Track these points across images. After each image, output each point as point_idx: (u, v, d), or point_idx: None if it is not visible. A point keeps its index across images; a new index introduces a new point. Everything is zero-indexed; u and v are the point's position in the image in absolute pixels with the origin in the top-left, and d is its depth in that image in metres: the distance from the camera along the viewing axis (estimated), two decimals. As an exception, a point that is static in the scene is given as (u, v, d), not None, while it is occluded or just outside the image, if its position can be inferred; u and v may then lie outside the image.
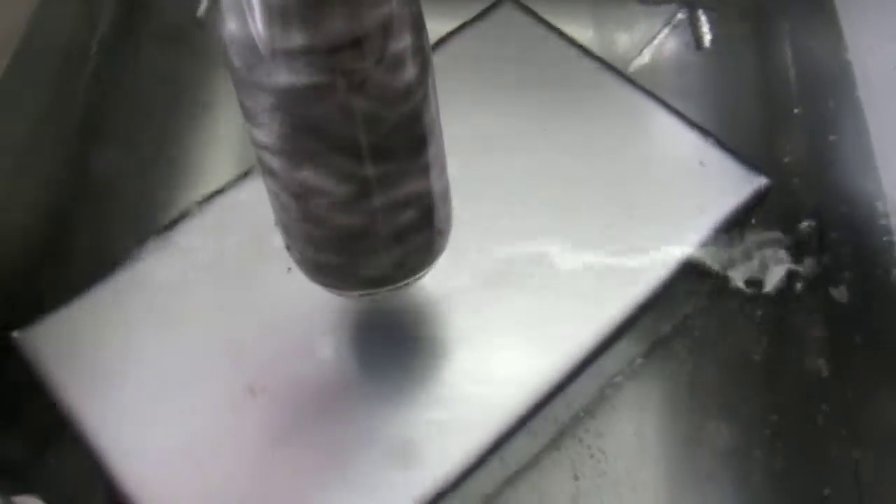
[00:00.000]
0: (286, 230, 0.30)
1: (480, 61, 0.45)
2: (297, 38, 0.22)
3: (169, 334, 0.37)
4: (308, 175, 0.26)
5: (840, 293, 0.41)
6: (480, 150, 0.41)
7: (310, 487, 0.34)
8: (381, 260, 0.30)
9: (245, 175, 0.42)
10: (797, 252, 0.43)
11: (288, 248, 0.32)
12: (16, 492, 0.32)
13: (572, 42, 0.47)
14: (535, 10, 0.48)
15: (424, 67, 0.25)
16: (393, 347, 0.38)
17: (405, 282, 0.32)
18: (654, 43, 0.52)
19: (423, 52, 0.25)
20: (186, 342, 0.37)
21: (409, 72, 0.24)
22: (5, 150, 0.44)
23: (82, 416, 0.35)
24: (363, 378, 0.37)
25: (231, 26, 0.23)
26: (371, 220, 0.28)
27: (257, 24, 0.22)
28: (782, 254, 0.42)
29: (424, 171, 0.28)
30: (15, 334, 0.37)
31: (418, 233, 0.30)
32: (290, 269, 0.33)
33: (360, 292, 0.32)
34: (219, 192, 0.42)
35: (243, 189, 0.42)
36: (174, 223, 0.41)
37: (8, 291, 0.41)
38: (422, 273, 0.32)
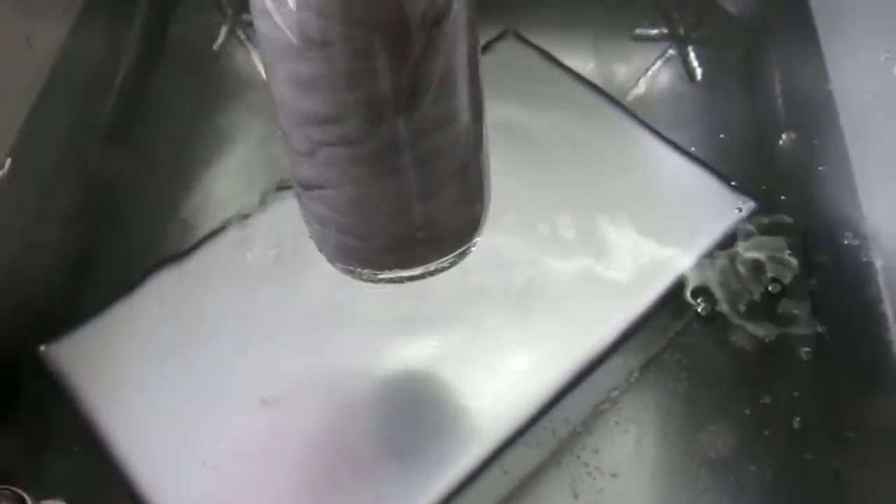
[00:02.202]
0: (312, 213, 0.29)
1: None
2: (333, 24, 0.22)
3: (188, 348, 0.39)
4: (341, 153, 0.25)
5: (827, 313, 0.42)
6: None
7: (315, 495, 0.36)
8: (408, 243, 0.28)
9: (262, 201, 0.44)
10: (784, 273, 0.44)
11: (311, 235, 0.30)
12: (43, 496, 0.33)
13: (572, 73, 0.49)
14: (537, 44, 0.50)
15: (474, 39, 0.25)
16: (397, 362, 0.39)
17: (429, 268, 0.30)
18: (647, 75, 0.54)
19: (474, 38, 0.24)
20: (204, 356, 0.39)
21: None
22: (34, 174, 0.45)
23: (105, 426, 0.37)
24: (368, 391, 0.38)
25: (264, 18, 0.23)
26: (404, 199, 0.27)
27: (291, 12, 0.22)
28: (770, 274, 0.44)
29: (454, 118, 0.26)
30: (42, 348, 0.39)
31: (454, 204, 0.28)
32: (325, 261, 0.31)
33: (383, 275, 0.30)
34: (237, 216, 0.44)
35: (261, 213, 0.43)
36: (195, 246, 0.43)
37: (34, 308, 0.43)
38: (447, 260, 0.30)
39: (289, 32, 0.23)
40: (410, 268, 0.30)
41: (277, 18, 0.23)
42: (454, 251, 0.30)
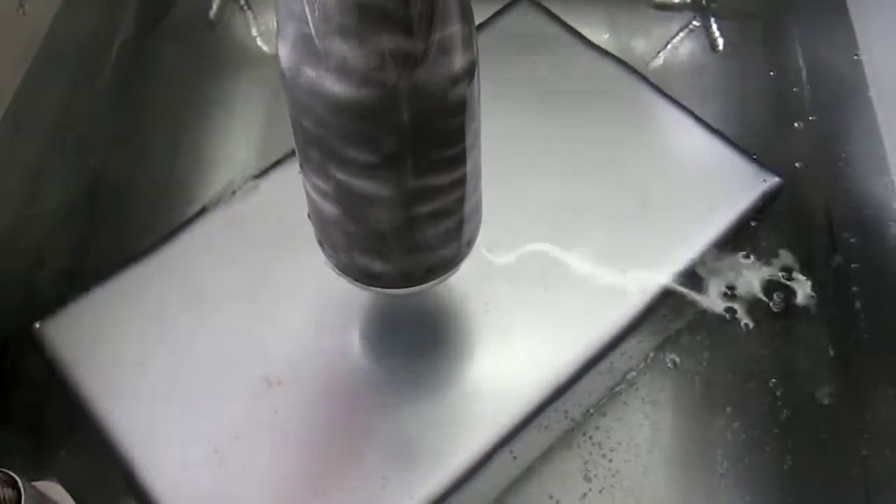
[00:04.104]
0: (320, 226, 0.31)
1: (497, 60, 0.45)
2: (346, 44, 0.23)
3: (187, 326, 0.38)
4: (349, 179, 0.27)
5: (851, 293, 0.41)
6: (494, 148, 0.41)
7: (322, 479, 0.35)
8: (410, 262, 0.31)
9: (266, 171, 0.43)
10: (809, 251, 0.43)
11: (320, 243, 0.32)
12: (37, 477, 0.32)
13: (587, 41, 0.47)
14: (552, 11, 0.48)
15: (471, 71, 0.26)
16: (406, 344, 0.38)
17: (428, 284, 0.32)
18: (668, 47, 0.53)
19: (471, 58, 0.25)
20: (204, 334, 0.38)
21: (457, 65, 0.25)
22: (28, 148, 0.45)
23: (101, 405, 0.36)
24: (376, 373, 0.37)
25: (285, 28, 0.24)
26: (407, 224, 0.29)
27: (311, 25, 0.23)
28: (795, 251, 0.43)
29: (462, 182, 0.28)
30: (37, 325, 0.38)
31: (449, 240, 0.31)
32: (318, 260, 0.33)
33: (386, 289, 0.32)
34: (236, 188, 0.42)
35: (263, 185, 0.42)
36: (193, 217, 0.42)
37: (29, 284, 0.42)
38: (446, 276, 0.33)
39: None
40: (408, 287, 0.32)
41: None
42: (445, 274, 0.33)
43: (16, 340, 0.39)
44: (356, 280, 0.32)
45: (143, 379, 0.37)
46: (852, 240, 0.42)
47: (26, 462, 0.32)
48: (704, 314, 0.42)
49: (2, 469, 0.29)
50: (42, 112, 0.46)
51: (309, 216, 0.32)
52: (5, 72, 0.43)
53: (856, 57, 0.43)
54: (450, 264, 0.32)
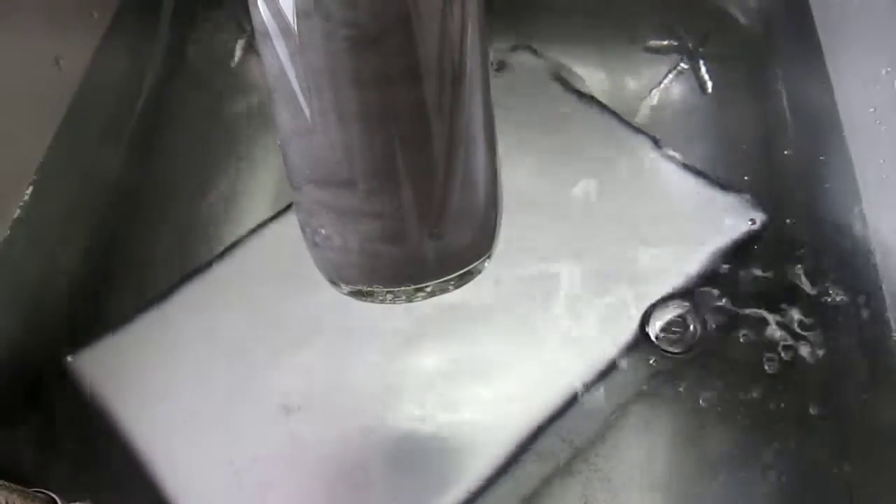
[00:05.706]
0: (312, 230, 0.29)
1: (496, 105, 0.48)
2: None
3: (209, 358, 0.40)
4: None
5: (832, 319, 0.43)
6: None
7: (334, 501, 0.37)
8: (413, 260, 0.29)
9: (278, 214, 0.45)
10: (792, 282, 0.44)
11: (314, 243, 0.30)
12: (73, 500, 0.34)
13: (581, 91, 0.50)
14: (550, 58, 0.51)
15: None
16: (415, 372, 0.40)
17: (434, 286, 0.30)
18: (659, 88, 0.54)
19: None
20: (226, 366, 0.40)
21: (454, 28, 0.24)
22: (61, 193, 0.47)
23: (132, 433, 0.38)
24: (385, 401, 0.39)
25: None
26: (404, 216, 0.27)
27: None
28: (779, 281, 0.44)
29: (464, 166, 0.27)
30: (69, 359, 0.40)
31: (457, 235, 0.29)
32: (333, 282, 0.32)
33: (385, 290, 0.30)
34: (255, 229, 0.45)
35: (278, 226, 0.45)
36: (217, 257, 0.44)
37: (61, 319, 0.44)
38: (454, 281, 0.31)
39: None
40: (418, 283, 0.30)
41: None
42: (462, 269, 0.31)
43: (50, 372, 0.40)
44: (353, 283, 0.30)
45: (171, 408, 0.39)
46: (832, 269, 0.43)
47: (64, 485, 0.33)
48: (697, 342, 0.43)
49: (42, 490, 0.31)
50: (74, 159, 0.48)
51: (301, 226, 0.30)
52: (43, 122, 0.46)
53: (831, 100, 0.45)
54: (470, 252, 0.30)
